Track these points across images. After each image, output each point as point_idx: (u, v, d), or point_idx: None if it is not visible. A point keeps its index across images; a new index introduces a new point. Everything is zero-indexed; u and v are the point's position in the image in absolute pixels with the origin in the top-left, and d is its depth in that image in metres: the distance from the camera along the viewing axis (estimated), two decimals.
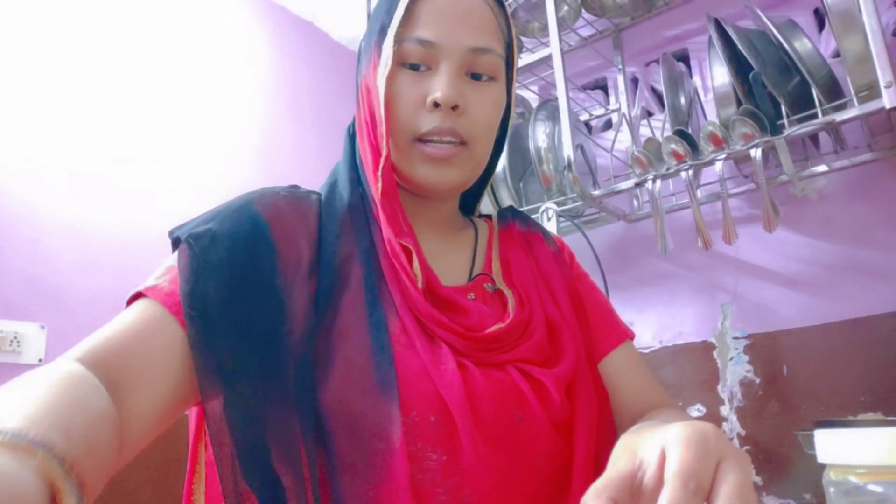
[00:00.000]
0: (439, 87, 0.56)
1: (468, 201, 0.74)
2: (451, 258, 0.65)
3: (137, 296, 0.50)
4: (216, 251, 0.50)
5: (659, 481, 0.33)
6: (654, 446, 0.34)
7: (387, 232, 0.57)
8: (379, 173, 0.57)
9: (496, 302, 0.62)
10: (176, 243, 0.53)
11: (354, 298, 0.54)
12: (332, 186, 0.63)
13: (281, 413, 0.47)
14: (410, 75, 0.58)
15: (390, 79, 0.57)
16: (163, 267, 0.52)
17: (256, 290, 0.51)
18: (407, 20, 0.58)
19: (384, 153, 0.57)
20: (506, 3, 0.65)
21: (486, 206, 0.76)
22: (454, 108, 0.57)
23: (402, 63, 0.58)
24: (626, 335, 0.68)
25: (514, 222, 0.72)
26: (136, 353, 0.45)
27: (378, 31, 0.60)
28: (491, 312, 0.59)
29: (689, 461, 0.32)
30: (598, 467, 0.55)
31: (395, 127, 0.58)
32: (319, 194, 0.63)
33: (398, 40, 0.57)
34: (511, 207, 0.76)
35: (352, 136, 0.68)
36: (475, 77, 0.60)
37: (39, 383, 0.36)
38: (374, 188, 0.58)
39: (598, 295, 0.72)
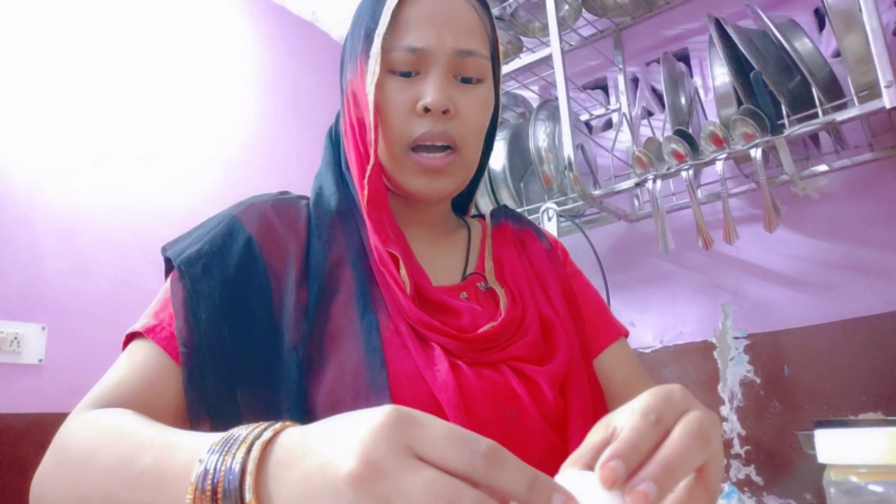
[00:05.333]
0: (429, 92, 0.57)
1: (461, 202, 0.74)
2: (444, 259, 0.66)
3: (137, 334, 0.52)
4: (209, 278, 0.52)
5: None
6: (625, 413, 0.36)
7: (373, 239, 0.57)
8: (365, 181, 0.57)
9: (489, 301, 0.62)
10: (168, 262, 0.55)
11: (345, 302, 0.54)
12: (319, 192, 0.63)
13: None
14: (399, 81, 0.58)
15: (379, 86, 0.57)
16: (159, 300, 0.54)
17: (250, 311, 0.52)
18: (393, 25, 0.57)
19: (372, 160, 0.57)
20: (489, 3, 0.65)
21: (487, 205, 0.76)
22: (445, 112, 0.57)
23: (391, 70, 0.58)
24: (619, 333, 0.68)
25: (507, 221, 0.72)
26: (144, 397, 0.48)
27: (363, 36, 0.59)
28: (484, 312, 0.59)
29: (652, 403, 0.33)
30: None
31: (387, 134, 0.58)
32: (308, 199, 0.64)
33: (386, 48, 0.57)
34: (504, 207, 0.76)
35: (332, 140, 0.68)
36: (464, 80, 0.60)
37: (134, 426, 0.41)
38: (361, 195, 0.59)
39: (592, 292, 0.72)
